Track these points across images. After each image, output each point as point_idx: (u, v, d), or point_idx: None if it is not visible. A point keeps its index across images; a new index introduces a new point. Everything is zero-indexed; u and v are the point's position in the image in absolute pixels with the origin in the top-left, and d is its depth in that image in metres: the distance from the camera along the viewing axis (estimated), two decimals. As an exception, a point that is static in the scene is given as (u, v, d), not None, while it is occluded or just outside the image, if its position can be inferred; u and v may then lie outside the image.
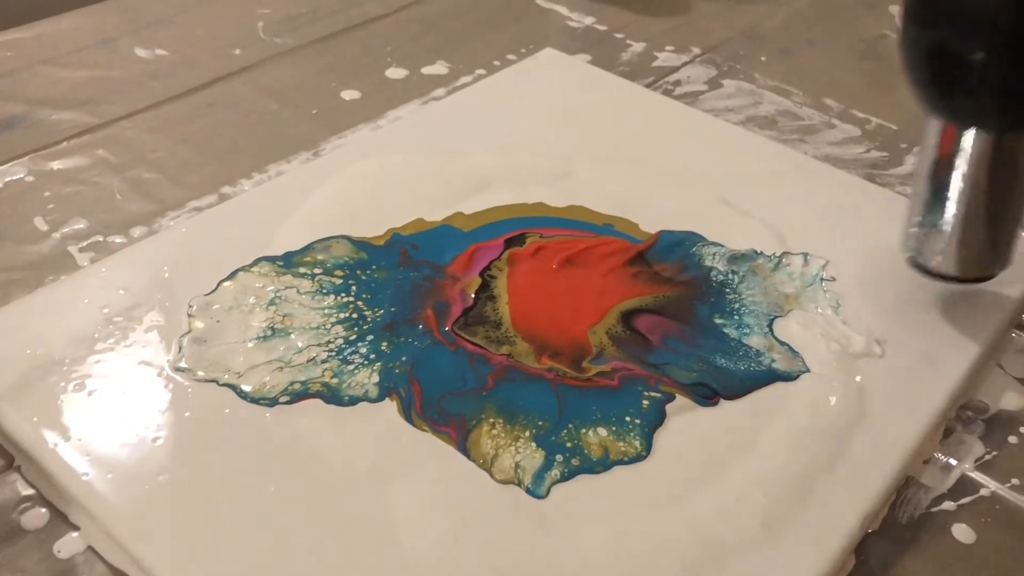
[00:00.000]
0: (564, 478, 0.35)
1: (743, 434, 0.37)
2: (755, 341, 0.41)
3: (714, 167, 0.52)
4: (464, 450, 0.36)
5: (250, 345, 0.40)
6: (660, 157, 0.53)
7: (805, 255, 0.46)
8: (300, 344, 0.40)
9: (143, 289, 0.42)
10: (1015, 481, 0.38)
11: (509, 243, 0.46)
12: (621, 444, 0.37)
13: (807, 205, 0.50)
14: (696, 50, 0.67)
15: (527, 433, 0.37)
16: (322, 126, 0.56)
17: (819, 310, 0.43)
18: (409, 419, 0.37)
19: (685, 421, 0.38)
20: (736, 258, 0.46)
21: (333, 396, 0.38)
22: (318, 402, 0.38)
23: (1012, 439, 0.40)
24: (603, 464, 0.36)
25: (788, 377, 0.40)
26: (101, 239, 0.47)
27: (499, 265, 0.45)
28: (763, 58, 0.67)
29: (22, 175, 0.51)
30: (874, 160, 0.57)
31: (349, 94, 0.59)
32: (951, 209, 0.39)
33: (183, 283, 0.42)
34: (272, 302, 0.42)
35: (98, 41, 0.63)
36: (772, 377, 0.40)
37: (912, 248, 0.42)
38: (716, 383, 0.39)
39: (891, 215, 0.50)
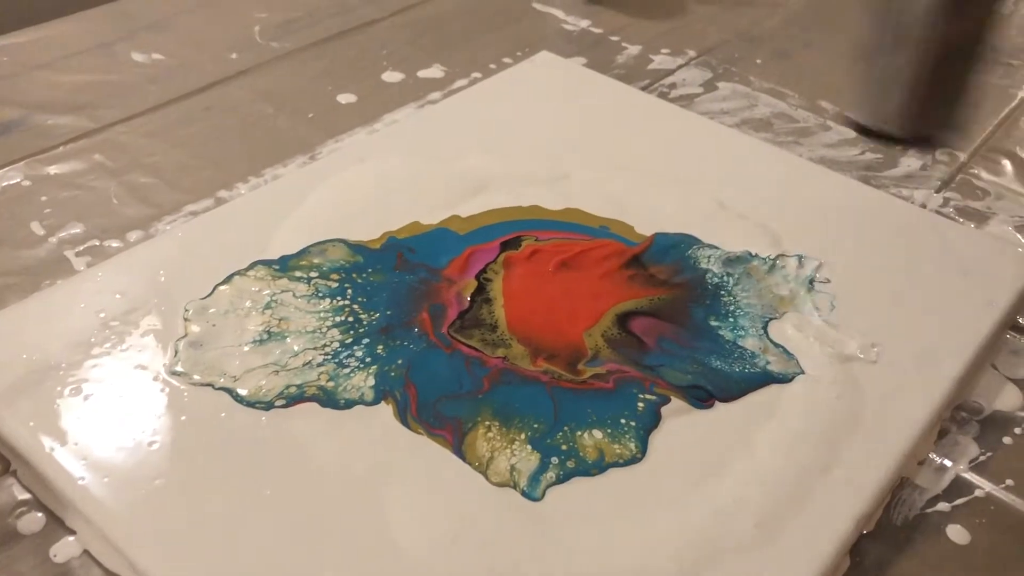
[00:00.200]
0: (559, 480, 0.35)
1: (738, 436, 0.38)
2: (750, 343, 0.41)
3: (709, 170, 0.52)
4: (460, 453, 0.36)
5: (246, 349, 0.40)
6: (655, 160, 0.53)
7: (800, 257, 0.46)
8: (296, 348, 0.40)
9: (139, 293, 0.42)
10: (1009, 482, 0.38)
11: (505, 246, 0.46)
12: (616, 446, 0.37)
13: (802, 207, 0.50)
14: (691, 53, 0.67)
15: (523, 436, 0.37)
16: (318, 130, 0.56)
17: (814, 312, 0.43)
18: (405, 422, 0.37)
19: (680, 423, 0.38)
20: (731, 260, 0.46)
21: (329, 399, 0.38)
22: (314, 405, 0.38)
23: (1007, 440, 0.40)
24: (598, 466, 0.36)
25: (783, 379, 0.40)
26: (97, 243, 0.47)
27: (495, 268, 0.45)
28: (758, 61, 0.67)
29: (19, 180, 0.51)
30: (869, 162, 0.57)
31: (345, 98, 0.60)
32: (901, 56, 0.37)
33: (179, 287, 0.42)
34: (268, 306, 0.42)
35: (95, 46, 0.63)
36: (767, 379, 0.40)
37: (856, 105, 0.39)
38: (711, 385, 0.39)
39: (886, 217, 0.50)
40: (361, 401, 0.38)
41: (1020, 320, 0.46)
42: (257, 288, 0.43)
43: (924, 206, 0.53)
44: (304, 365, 0.39)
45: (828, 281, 0.45)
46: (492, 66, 0.63)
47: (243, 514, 0.34)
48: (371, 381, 0.39)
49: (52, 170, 0.52)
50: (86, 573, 0.33)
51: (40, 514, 0.35)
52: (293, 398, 0.38)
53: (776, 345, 0.41)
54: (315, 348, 0.40)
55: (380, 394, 0.38)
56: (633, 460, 0.36)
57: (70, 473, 0.35)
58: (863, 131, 0.37)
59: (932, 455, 0.39)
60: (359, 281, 0.43)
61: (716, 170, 0.52)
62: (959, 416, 0.41)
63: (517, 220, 0.48)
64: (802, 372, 0.40)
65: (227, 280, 0.43)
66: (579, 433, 0.37)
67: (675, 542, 0.34)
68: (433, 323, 0.42)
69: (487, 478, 0.35)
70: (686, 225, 0.48)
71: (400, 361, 0.40)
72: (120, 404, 0.37)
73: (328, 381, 0.39)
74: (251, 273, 0.43)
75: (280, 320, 0.41)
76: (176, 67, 0.62)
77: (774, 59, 0.67)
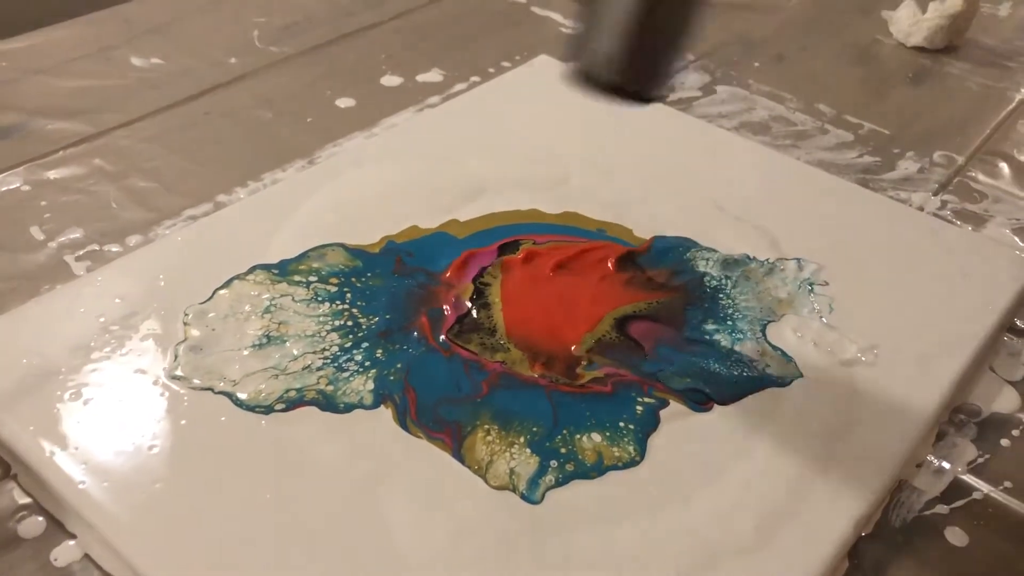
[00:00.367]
0: (559, 484, 0.35)
1: (736, 439, 0.38)
2: (748, 346, 0.42)
3: (707, 173, 0.52)
4: (459, 456, 0.36)
5: (246, 353, 0.40)
6: (654, 163, 0.53)
7: (798, 260, 0.46)
8: (295, 352, 0.40)
9: (139, 298, 0.42)
10: (1008, 484, 0.38)
11: (503, 250, 0.46)
12: (615, 449, 0.37)
13: (800, 210, 0.50)
14: (689, 56, 0.67)
15: (522, 439, 0.37)
16: (317, 134, 0.56)
17: (812, 315, 0.43)
18: (404, 426, 0.37)
19: (679, 426, 0.38)
20: (729, 263, 0.46)
21: (328, 403, 0.38)
22: (313, 410, 0.38)
23: (1004, 442, 0.40)
24: (597, 469, 0.36)
25: (781, 382, 0.40)
26: (97, 248, 0.47)
27: (493, 272, 0.45)
28: (756, 64, 0.67)
29: (18, 184, 0.51)
30: (866, 165, 0.57)
31: (344, 102, 0.60)
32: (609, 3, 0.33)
33: (179, 291, 0.42)
34: (267, 310, 0.42)
35: (94, 50, 0.63)
36: (765, 382, 0.40)
37: (571, 54, 0.35)
38: (710, 388, 0.40)
39: (884, 220, 0.50)
40: (360, 405, 0.38)
41: (1018, 322, 0.46)
42: (256, 292, 0.43)
43: (922, 209, 0.53)
44: (304, 369, 0.39)
45: (826, 284, 0.45)
46: (491, 70, 0.63)
47: (243, 518, 0.34)
48: (370, 385, 0.39)
49: (52, 175, 0.52)
50: (86, 577, 0.33)
51: (40, 518, 0.35)
52: (293, 402, 0.38)
53: (774, 348, 0.42)
54: (314, 352, 0.40)
55: (379, 398, 0.38)
56: (632, 463, 0.36)
57: (70, 477, 0.35)
58: (576, 79, 0.34)
59: (930, 457, 0.39)
60: (358, 285, 0.44)
61: (714, 173, 0.52)
62: (957, 418, 0.41)
63: (516, 224, 0.48)
64: (800, 375, 0.40)
65: (226, 284, 0.43)
66: (578, 436, 0.37)
67: (674, 545, 0.34)
68: (432, 327, 0.42)
69: (486, 481, 0.35)
70: (684, 228, 0.48)
71: (399, 365, 0.40)
72: (120, 408, 0.37)
73: (328, 385, 0.39)
74: (250, 277, 0.43)
75: (279, 324, 0.41)
76: (175, 72, 0.62)
77: (772, 63, 0.68)
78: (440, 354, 0.40)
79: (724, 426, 0.38)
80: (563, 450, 0.37)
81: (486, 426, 0.37)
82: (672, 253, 0.46)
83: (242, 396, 0.38)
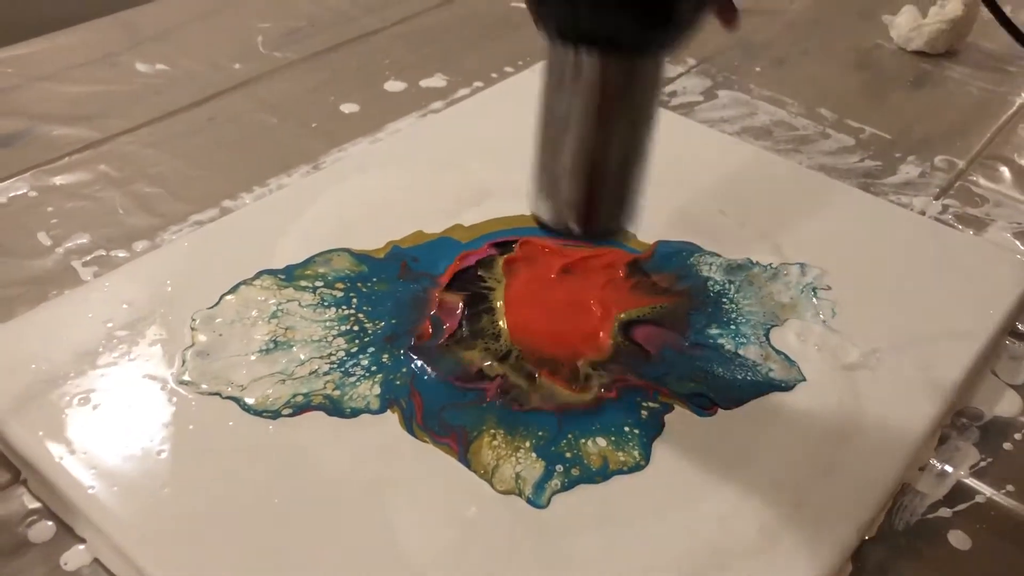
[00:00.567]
0: (564, 488, 0.36)
1: (741, 443, 0.38)
2: (752, 351, 0.42)
3: (710, 178, 0.53)
4: (465, 461, 0.37)
5: (253, 358, 0.40)
6: (656, 168, 0.53)
7: (801, 265, 0.46)
8: (302, 357, 0.40)
9: (146, 303, 0.42)
10: (1010, 487, 0.38)
11: (500, 249, 0.46)
12: (620, 454, 0.37)
13: (802, 215, 0.50)
14: (691, 61, 0.67)
15: (527, 444, 0.37)
16: (321, 139, 0.57)
17: (815, 319, 0.44)
18: (411, 431, 0.38)
19: (683, 431, 0.38)
20: (732, 268, 0.46)
21: (335, 408, 0.38)
22: (320, 414, 0.38)
23: (1007, 446, 0.40)
24: (603, 474, 0.36)
25: (785, 386, 0.40)
26: (104, 253, 0.48)
27: (496, 276, 0.45)
28: (758, 69, 0.67)
29: (25, 190, 0.52)
30: (868, 169, 0.57)
31: (348, 107, 0.60)
32: (562, 155, 0.34)
33: (186, 297, 0.43)
34: (274, 315, 0.42)
35: (99, 56, 0.64)
36: (769, 387, 0.40)
37: (532, 197, 0.36)
38: (714, 393, 0.40)
39: (886, 224, 0.51)
40: (367, 410, 0.38)
41: (1019, 326, 0.46)
42: (263, 298, 0.43)
43: (923, 213, 0.54)
44: (310, 374, 0.39)
45: (829, 288, 0.45)
46: (494, 75, 0.64)
47: (251, 522, 0.34)
48: (377, 390, 0.39)
49: (58, 180, 0.52)
50: (96, 581, 0.34)
51: (50, 523, 0.35)
52: (300, 407, 0.38)
53: (778, 352, 0.42)
54: (321, 357, 0.40)
55: (386, 403, 0.39)
56: (637, 467, 0.37)
57: (79, 482, 0.35)
58: (543, 225, 0.36)
59: (933, 461, 0.39)
60: (364, 290, 0.44)
61: (716, 178, 0.53)
62: (959, 422, 0.41)
63: (520, 228, 0.48)
64: (804, 379, 0.41)
65: (233, 290, 0.43)
66: (583, 441, 0.37)
67: (679, 548, 0.34)
68: (435, 332, 0.42)
69: (492, 486, 0.36)
70: (687, 233, 0.48)
71: (405, 370, 0.40)
72: (128, 413, 0.38)
73: (334, 390, 0.39)
74: (257, 283, 0.44)
75: (286, 329, 0.41)
76: (180, 77, 0.62)
77: (773, 67, 0.68)
78: (446, 359, 0.41)
79: (728, 430, 0.38)
80: (568, 455, 0.37)
81: (492, 431, 0.38)
82: (676, 258, 0.47)
83: (249, 401, 0.38)
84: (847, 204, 0.52)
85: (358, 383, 0.39)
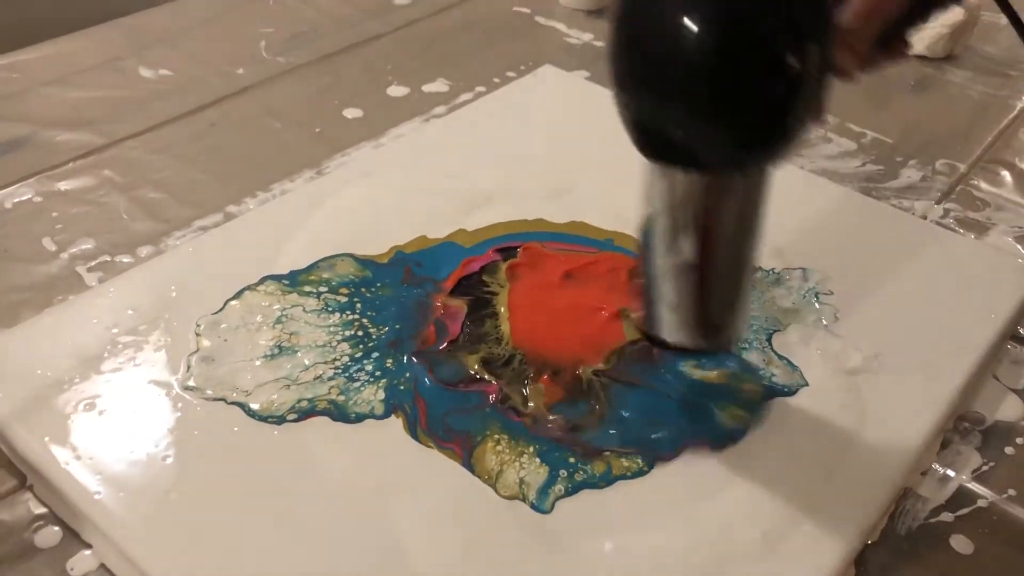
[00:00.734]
0: (568, 493, 0.36)
1: (743, 447, 0.38)
2: (754, 356, 0.42)
3: (712, 182, 0.53)
4: (469, 466, 0.37)
5: (257, 363, 0.40)
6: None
7: (803, 269, 0.47)
8: (307, 362, 0.40)
9: (151, 309, 0.43)
10: (1012, 492, 0.39)
11: (504, 255, 0.46)
12: (624, 460, 0.37)
13: (804, 219, 0.50)
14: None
15: (531, 449, 0.37)
16: (325, 144, 0.57)
17: (817, 324, 0.44)
18: (415, 435, 0.38)
19: (686, 435, 0.38)
20: (735, 273, 0.46)
21: (340, 413, 0.38)
22: (325, 419, 0.38)
23: (1009, 450, 0.41)
24: (606, 479, 0.36)
25: (787, 391, 0.40)
26: (109, 259, 0.48)
27: (499, 281, 0.45)
28: (759, 73, 0.67)
29: (30, 196, 0.52)
30: (870, 173, 0.57)
31: (351, 112, 0.60)
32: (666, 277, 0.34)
33: (190, 302, 0.43)
34: (279, 320, 0.42)
35: (103, 62, 0.64)
36: (771, 392, 0.40)
37: (644, 320, 0.36)
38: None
39: (888, 229, 0.51)
40: (372, 415, 0.38)
41: (1021, 330, 0.47)
42: (267, 303, 0.43)
43: (925, 217, 0.54)
44: (315, 379, 0.40)
45: (831, 293, 0.45)
46: (496, 80, 0.64)
47: (256, 527, 0.34)
48: (381, 395, 0.39)
49: (62, 186, 0.53)
50: (102, 586, 0.34)
51: (57, 528, 0.36)
52: (305, 412, 0.38)
53: (780, 357, 0.42)
54: (325, 362, 0.40)
55: (390, 408, 0.39)
56: (640, 473, 0.37)
57: (85, 487, 0.35)
58: (653, 339, 0.36)
59: (935, 465, 0.40)
60: (368, 295, 0.44)
61: (719, 183, 0.53)
62: (961, 426, 0.41)
63: (523, 232, 0.48)
64: (806, 384, 0.41)
65: (238, 295, 0.43)
66: (587, 445, 0.38)
67: (682, 553, 0.34)
68: (438, 337, 0.42)
69: (496, 491, 0.36)
70: (690, 238, 0.48)
71: (409, 374, 0.40)
72: (134, 419, 0.38)
73: (339, 395, 0.39)
74: (261, 288, 0.44)
75: (291, 335, 0.42)
76: (184, 83, 0.62)
77: (775, 71, 0.68)
78: (451, 364, 0.41)
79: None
80: (572, 460, 0.37)
81: (496, 436, 0.38)
82: (678, 263, 0.47)
83: (254, 406, 0.38)
84: (849, 208, 0.52)
85: (362, 388, 0.39)
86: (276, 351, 0.41)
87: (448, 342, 0.42)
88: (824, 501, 0.36)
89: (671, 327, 0.35)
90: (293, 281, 0.44)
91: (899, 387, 0.41)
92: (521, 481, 0.36)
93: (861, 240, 0.49)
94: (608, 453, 0.37)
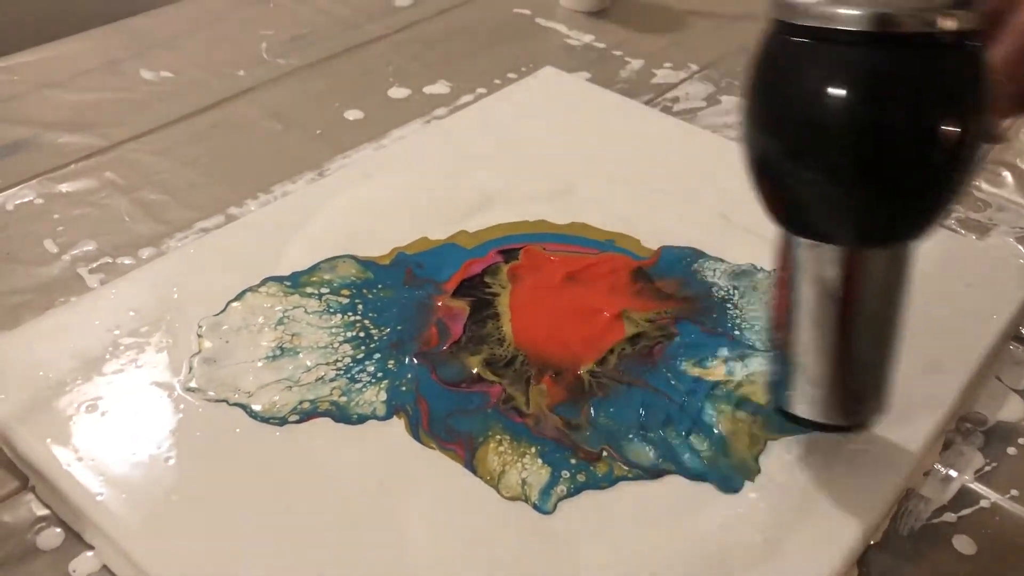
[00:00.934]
0: (570, 494, 0.36)
1: (745, 448, 0.38)
2: (757, 357, 0.42)
3: (714, 183, 0.53)
4: (471, 467, 0.37)
5: (259, 365, 0.40)
6: (660, 174, 0.53)
7: (804, 270, 0.47)
8: (308, 363, 0.40)
9: (153, 310, 0.43)
10: (1015, 492, 0.39)
11: (505, 256, 0.46)
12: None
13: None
14: (694, 67, 0.67)
15: (533, 450, 0.37)
16: (326, 146, 0.57)
17: (819, 325, 0.44)
18: (417, 437, 0.38)
19: (688, 436, 0.38)
20: (737, 274, 0.46)
21: (342, 414, 0.38)
22: (327, 421, 0.38)
23: (1011, 450, 0.40)
24: (608, 480, 0.36)
25: (789, 391, 0.40)
26: (110, 260, 0.48)
27: (501, 282, 0.45)
28: (760, 74, 0.67)
29: (31, 198, 0.52)
30: (871, 175, 0.57)
31: (352, 114, 0.60)
32: (806, 339, 0.33)
33: (192, 304, 0.43)
34: (280, 322, 0.42)
35: (103, 64, 0.64)
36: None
37: (775, 394, 0.36)
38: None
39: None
40: (373, 416, 0.38)
41: (1023, 331, 0.47)
42: (269, 304, 0.43)
43: (926, 218, 0.54)
44: (317, 380, 0.40)
45: (832, 294, 0.45)
46: (497, 81, 0.64)
47: (258, 529, 0.34)
48: (383, 396, 0.39)
49: (64, 188, 0.53)
50: (104, 588, 0.34)
51: (58, 530, 0.36)
52: (307, 413, 0.38)
53: (782, 358, 0.42)
54: (327, 363, 0.40)
55: (392, 409, 0.39)
56: (642, 474, 0.37)
57: (87, 489, 0.35)
58: (789, 416, 0.35)
59: (937, 466, 0.40)
60: (369, 297, 0.44)
61: (720, 183, 0.53)
62: (964, 427, 0.41)
63: (524, 234, 0.48)
64: (808, 384, 0.41)
65: (239, 297, 0.43)
66: (589, 446, 0.38)
67: (684, 555, 0.34)
68: (440, 338, 0.42)
69: (499, 492, 0.36)
70: (692, 238, 0.48)
71: (411, 376, 0.40)
72: (135, 420, 0.38)
73: (341, 396, 0.39)
74: (263, 289, 0.44)
75: (292, 336, 0.42)
76: (185, 84, 0.62)
77: (776, 72, 0.68)
78: (451, 365, 0.41)
79: (733, 436, 0.39)
80: (574, 460, 0.37)
81: (498, 437, 0.38)
82: (680, 264, 0.47)
83: (256, 408, 0.38)
84: (850, 209, 0.52)
85: (364, 389, 0.39)
86: (278, 352, 0.41)
87: (450, 343, 0.42)
88: (826, 501, 0.36)
89: (808, 402, 0.34)
90: (295, 282, 0.44)
91: (901, 387, 0.40)
92: (523, 482, 0.36)
93: (862, 241, 0.49)
94: (607, 454, 0.37)
